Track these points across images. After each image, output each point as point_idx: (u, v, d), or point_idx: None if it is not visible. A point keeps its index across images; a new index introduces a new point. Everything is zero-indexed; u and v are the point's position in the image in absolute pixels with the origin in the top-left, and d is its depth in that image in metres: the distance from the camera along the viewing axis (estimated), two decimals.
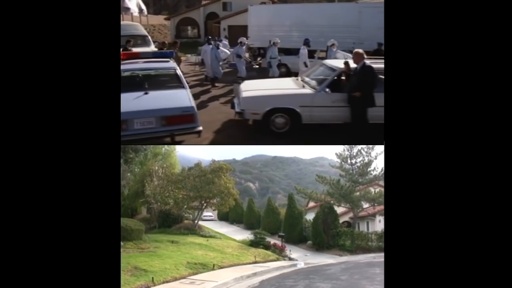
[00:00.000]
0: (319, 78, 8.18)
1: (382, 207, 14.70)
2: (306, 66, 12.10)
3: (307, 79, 8.49)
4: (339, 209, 13.93)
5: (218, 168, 11.40)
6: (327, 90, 7.67)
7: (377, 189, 14.30)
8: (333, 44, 12.25)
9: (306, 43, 12.98)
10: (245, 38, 15.18)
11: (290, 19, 17.70)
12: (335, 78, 7.89)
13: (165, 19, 43.58)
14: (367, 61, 7.24)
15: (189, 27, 40.36)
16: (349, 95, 7.33)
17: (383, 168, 13.45)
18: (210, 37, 16.26)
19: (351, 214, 14.80)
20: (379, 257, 11.28)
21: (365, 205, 14.07)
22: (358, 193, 13.51)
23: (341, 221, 14.00)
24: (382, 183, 14.89)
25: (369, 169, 13.45)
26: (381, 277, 6.98)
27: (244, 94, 8.15)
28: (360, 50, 7.35)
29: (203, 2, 43.08)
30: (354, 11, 17.29)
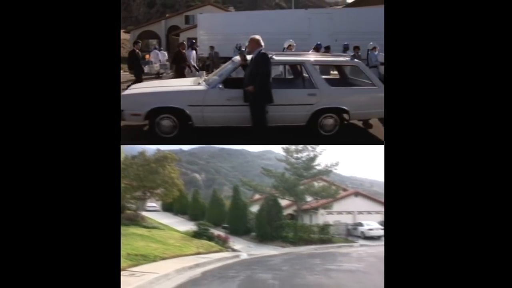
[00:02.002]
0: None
1: (325, 201, 15.16)
2: None
3: (213, 77, 7.25)
4: (283, 202, 14.16)
5: (163, 158, 11.20)
6: (220, 86, 6.48)
7: (321, 184, 14.71)
8: (374, 48, 11.39)
9: (317, 48, 11.09)
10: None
11: (241, 27, 17.44)
12: (233, 72, 6.93)
13: (125, 32, 42.02)
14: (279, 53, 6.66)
15: (155, 40, 39.24)
16: (244, 91, 6.23)
17: (328, 164, 13.88)
18: (194, 40, 14.69)
19: (294, 207, 15.11)
20: (321, 248, 11.66)
21: (309, 198, 14.39)
22: (302, 187, 13.79)
23: (284, 213, 14.26)
24: (326, 177, 15.34)
25: (313, 164, 13.74)
26: (320, 267, 7.20)
27: (125, 92, 6.90)
28: (257, 37, 6.34)
29: (167, 15, 42.50)
30: (304, 18, 17.42)
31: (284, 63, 8.03)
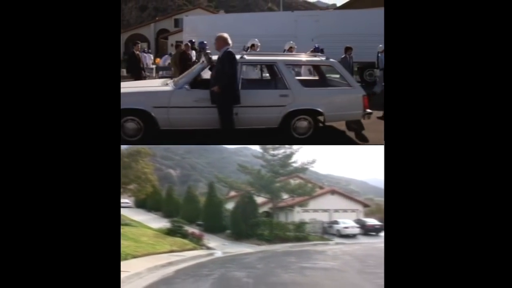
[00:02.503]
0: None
1: (301, 198, 15.25)
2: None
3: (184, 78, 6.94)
4: (259, 199, 14.16)
5: (136, 152, 11.02)
6: (187, 87, 6.25)
7: (297, 181, 14.77)
8: (384, 50, 10.89)
9: (316, 50, 11.03)
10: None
11: (226, 29, 17.46)
12: (201, 73, 6.76)
13: None
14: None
15: (145, 44, 38.61)
16: (210, 92, 6.02)
17: (304, 162, 13.94)
18: (193, 40, 13.75)
19: (270, 204, 15.14)
20: (296, 246, 11.71)
21: (285, 196, 14.44)
22: (278, 184, 13.83)
23: (260, 211, 14.28)
24: (302, 175, 15.42)
25: (290, 161, 13.80)
26: (295, 266, 7.23)
27: None
28: (224, 34, 6.10)
29: (157, 18, 42.40)
30: (290, 21, 17.39)
31: (255, 63, 7.85)
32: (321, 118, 6.65)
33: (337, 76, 8.22)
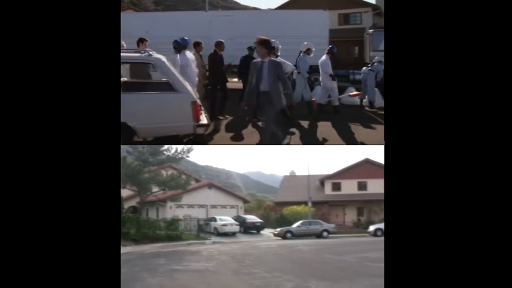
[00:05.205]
0: None
1: (174, 192, 15.21)
2: (333, 79, 10.55)
3: None
4: (124, 192, 13.82)
5: None
6: None
7: (170, 172, 14.69)
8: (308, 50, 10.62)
9: (331, 51, 10.79)
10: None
11: (137, 29, 16.95)
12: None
13: None
14: None
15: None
16: None
17: (179, 151, 13.85)
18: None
19: (137, 198, 14.89)
20: (168, 246, 11.64)
21: (155, 188, 14.28)
22: (147, 175, 13.63)
23: (126, 206, 13.97)
24: (176, 165, 15.37)
25: (162, 149, 13.64)
26: (165, 268, 7.16)
27: None
28: None
29: None
30: (203, 21, 17.81)
31: None
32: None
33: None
